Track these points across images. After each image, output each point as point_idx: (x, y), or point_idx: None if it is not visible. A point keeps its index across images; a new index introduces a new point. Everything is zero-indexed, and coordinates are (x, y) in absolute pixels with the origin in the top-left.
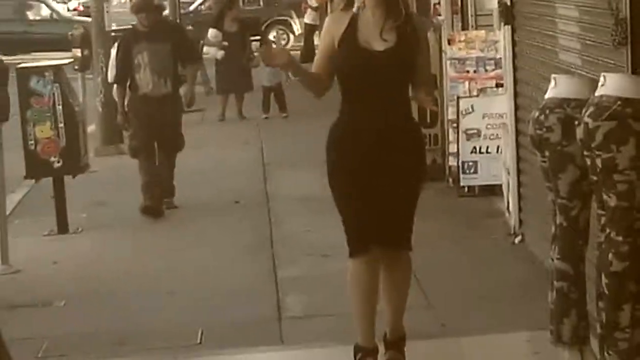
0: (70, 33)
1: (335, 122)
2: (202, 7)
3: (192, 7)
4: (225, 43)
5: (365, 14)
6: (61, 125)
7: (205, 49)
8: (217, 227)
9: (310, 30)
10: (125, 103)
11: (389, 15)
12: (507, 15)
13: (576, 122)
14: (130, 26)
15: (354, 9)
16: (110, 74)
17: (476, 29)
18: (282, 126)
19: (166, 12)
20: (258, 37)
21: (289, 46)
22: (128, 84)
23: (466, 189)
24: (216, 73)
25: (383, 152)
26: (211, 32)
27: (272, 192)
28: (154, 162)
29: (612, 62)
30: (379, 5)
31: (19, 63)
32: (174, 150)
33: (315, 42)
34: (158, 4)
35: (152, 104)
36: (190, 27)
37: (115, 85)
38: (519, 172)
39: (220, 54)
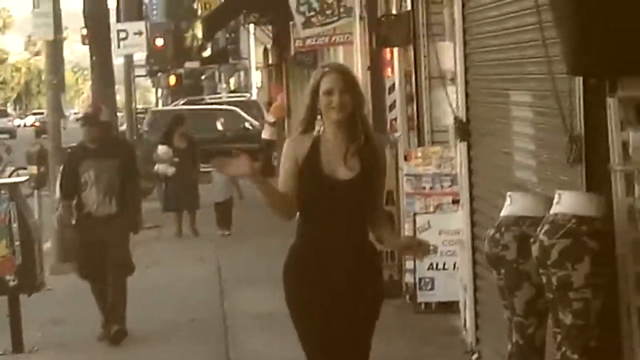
0: (27, 150)
1: (294, 245)
2: None
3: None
4: (176, 159)
5: (325, 138)
6: (17, 243)
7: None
8: (173, 346)
9: (268, 145)
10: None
11: (351, 139)
12: (463, 131)
13: (531, 240)
14: None
15: (315, 132)
16: (58, 190)
17: (432, 145)
18: (238, 242)
19: (123, 128)
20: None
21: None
22: (75, 202)
23: (423, 305)
24: (164, 190)
25: (343, 277)
26: (161, 149)
27: (230, 309)
28: (105, 285)
29: (567, 179)
30: (339, 128)
31: None
32: (121, 275)
33: (274, 155)
34: (106, 121)
35: (97, 224)
36: (147, 144)
37: (61, 202)
38: (475, 289)
39: (170, 170)
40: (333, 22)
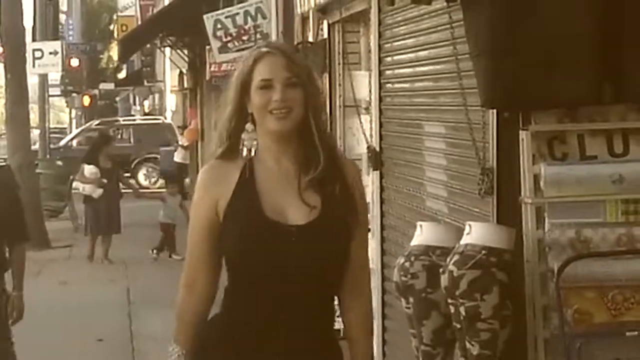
0: None
1: (211, 325)
2: (73, 142)
3: (62, 142)
4: (105, 180)
5: (262, 162)
6: None
7: (75, 184)
8: None
9: (180, 169)
10: None
11: (304, 163)
12: (376, 160)
13: (441, 270)
14: None
15: (244, 155)
16: None
17: None
18: (151, 265)
19: (36, 146)
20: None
21: (157, 185)
22: None
23: None
24: (89, 211)
25: None
26: (87, 169)
27: (138, 331)
28: None
29: (477, 211)
30: (284, 145)
31: None
32: None
33: (186, 181)
34: None
35: None
36: (59, 163)
37: None
38: (384, 317)
39: (98, 192)
40: (249, 47)
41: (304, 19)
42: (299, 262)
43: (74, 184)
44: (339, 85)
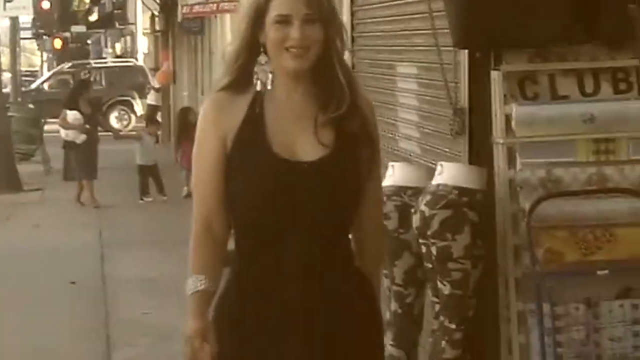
0: None
1: (226, 291)
2: (45, 85)
3: (34, 85)
4: (87, 126)
5: (275, 97)
6: None
7: (47, 127)
8: (52, 309)
9: (152, 111)
10: None
11: (321, 101)
12: None
13: (412, 210)
14: None
15: (253, 88)
16: None
17: None
18: (124, 208)
19: (7, 89)
20: None
21: (130, 126)
22: None
23: None
24: (70, 157)
25: (316, 334)
26: (70, 114)
27: (111, 273)
28: None
29: (449, 151)
30: (300, 83)
31: None
32: None
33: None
34: None
35: None
36: (31, 106)
37: None
38: None
39: (81, 138)
40: None
41: None
42: (310, 199)
43: (47, 127)
44: None
